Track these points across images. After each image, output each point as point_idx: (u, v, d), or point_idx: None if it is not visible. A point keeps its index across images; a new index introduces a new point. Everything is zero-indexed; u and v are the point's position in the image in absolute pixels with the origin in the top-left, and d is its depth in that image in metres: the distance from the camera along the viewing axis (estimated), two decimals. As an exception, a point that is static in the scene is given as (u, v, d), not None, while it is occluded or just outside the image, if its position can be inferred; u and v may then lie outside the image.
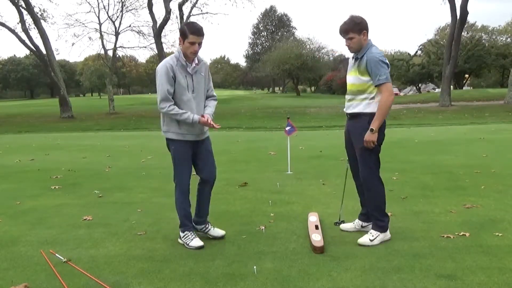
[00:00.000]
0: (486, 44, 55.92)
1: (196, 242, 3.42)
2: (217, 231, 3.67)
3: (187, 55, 3.29)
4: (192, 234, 3.46)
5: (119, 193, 5.45)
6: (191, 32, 3.20)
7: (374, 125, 3.29)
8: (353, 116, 3.46)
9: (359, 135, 3.39)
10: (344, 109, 3.61)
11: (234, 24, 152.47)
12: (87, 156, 9.19)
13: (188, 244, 3.41)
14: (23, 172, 7.26)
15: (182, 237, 3.48)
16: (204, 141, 3.57)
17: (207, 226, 3.67)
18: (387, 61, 3.30)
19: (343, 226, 3.80)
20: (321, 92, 60.78)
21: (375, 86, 3.28)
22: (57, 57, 29.98)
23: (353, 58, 3.47)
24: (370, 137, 3.31)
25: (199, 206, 3.65)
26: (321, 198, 4.90)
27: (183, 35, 3.23)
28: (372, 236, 3.41)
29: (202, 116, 3.38)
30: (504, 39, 59.20)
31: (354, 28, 3.29)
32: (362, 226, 3.71)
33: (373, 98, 3.33)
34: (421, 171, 6.28)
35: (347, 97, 3.52)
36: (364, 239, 3.41)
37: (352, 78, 3.43)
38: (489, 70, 58.72)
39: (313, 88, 73.12)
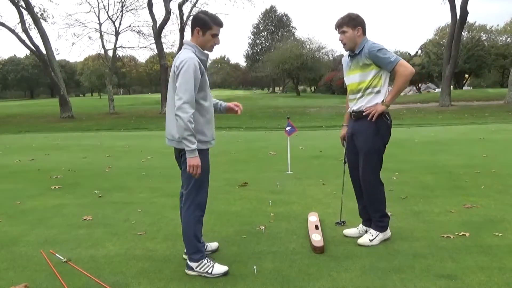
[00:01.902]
0: (486, 44, 55.98)
1: (220, 267, 2.91)
2: (213, 245, 3.38)
3: (206, 49, 2.88)
4: (209, 260, 2.94)
5: (119, 193, 5.45)
6: (216, 23, 2.83)
7: (388, 98, 3.22)
8: (358, 117, 3.33)
9: (363, 137, 3.31)
10: (348, 110, 3.50)
11: (234, 24, 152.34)
12: (87, 156, 9.19)
13: (210, 273, 2.87)
14: (23, 172, 7.25)
15: (199, 267, 2.90)
16: None
17: (204, 243, 3.23)
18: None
19: (346, 231, 3.63)
20: (321, 92, 60.77)
21: (390, 71, 3.18)
22: (57, 57, 29.99)
23: (348, 56, 3.38)
24: (378, 107, 3.21)
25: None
26: (321, 198, 4.90)
27: (204, 26, 2.81)
28: (372, 236, 3.39)
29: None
30: (504, 39, 59.24)
31: (349, 23, 3.25)
32: (366, 232, 3.53)
33: (378, 91, 3.25)
34: (421, 171, 6.28)
35: (350, 97, 3.41)
36: (364, 239, 3.39)
37: (352, 77, 3.34)
38: (489, 70, 58.77)
39: (313, 88, 73.12)
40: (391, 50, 3.33)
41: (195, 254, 2.91)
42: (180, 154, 2.93)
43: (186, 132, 2.71)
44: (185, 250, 3.09)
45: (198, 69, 2.76)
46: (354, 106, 3.37)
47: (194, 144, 2.75)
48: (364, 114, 3.29)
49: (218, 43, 2.90)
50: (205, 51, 2.89)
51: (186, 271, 2.94)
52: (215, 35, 2.85)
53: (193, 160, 2.76)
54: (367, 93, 3.27)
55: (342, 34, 3.28)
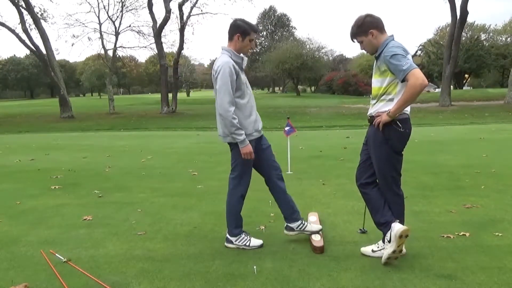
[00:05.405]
0: (486, 44, 56.04)
1: (256, 241, 3.40)
2: (313, 226, 3.51)
3: (243, 52, 3.27)
4: (246, 234, 3.44)
5: (119, 193, 5.45)
6: (254, 30, 3.26)
7: (392, 109, 2.95)
8: (370, 123, 3.17)
9: (371, 144, 3.15)
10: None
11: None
12: (87, 156, 9.19)
13: (248, 246, 3.36)
14: (23, 172, 7.26)
15: (237, 241, 3.38)
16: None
17: (303, 222, 3.50)
18: (405, 49, 2.95)
19: (363, 249, 3.24)
20: (321, 92, 60.75)
21: (401, 81, 2.90)
22: (57, 57, 29.96)
23: (375, 57, 3.22)
24: (382, 117, 3.00)
25: (286, 204, 3.57)
26: (321, 198, 4.90)
27: (244, 32, 3.22)
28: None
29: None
30: (503, 39, 59.30)
31: (359, 32, 3.11)
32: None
33: (391, 99, 3.00)
34: (421, 171, 6.28)
35: (371, 101, 3.26)
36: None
37: (373, 81, 3.18)
38: (489, 70, 58.84)
39: (313, 88, 73.14)
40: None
41: (236, 229, 3.39)
42: (231, 148, 3.36)
43: (232, 128, 3.17)
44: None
45: (233, 71, 3.15)
46: (369, 111, 3.23)
47: (242, 136, 3.19)
48: (373, 120, 3.13)
49: (254, 48, 3.34)
50: (241, 55, 3.26)
51: (226, 244, 3.41)
52: (252, 40, 3.26)
53: (244, 149, 3.23)
54: (381, 100, 3.09)
55: (360, 44, 3.16)
